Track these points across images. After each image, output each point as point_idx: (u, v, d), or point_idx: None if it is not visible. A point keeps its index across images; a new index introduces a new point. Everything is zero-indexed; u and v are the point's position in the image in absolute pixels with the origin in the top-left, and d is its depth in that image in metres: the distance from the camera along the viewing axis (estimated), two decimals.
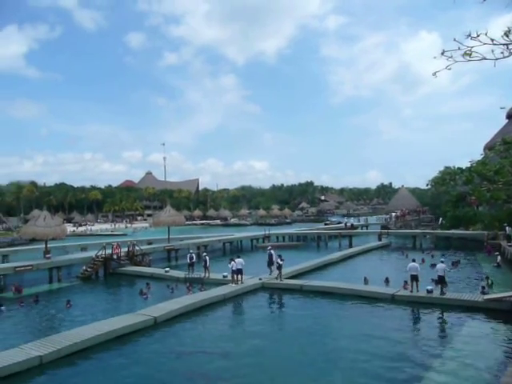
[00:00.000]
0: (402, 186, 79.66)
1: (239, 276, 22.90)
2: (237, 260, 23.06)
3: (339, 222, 71.35)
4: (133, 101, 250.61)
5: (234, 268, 22.86)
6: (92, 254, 31.47)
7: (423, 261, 30.25)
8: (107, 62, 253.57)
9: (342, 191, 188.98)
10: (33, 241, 40.68)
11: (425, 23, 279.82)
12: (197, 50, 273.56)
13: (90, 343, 14.10)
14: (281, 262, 23.57)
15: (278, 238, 52.79)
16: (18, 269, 26.55)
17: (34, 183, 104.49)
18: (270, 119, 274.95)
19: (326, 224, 74.03)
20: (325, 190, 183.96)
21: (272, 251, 25.58)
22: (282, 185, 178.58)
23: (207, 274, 25.51)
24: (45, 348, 13.13)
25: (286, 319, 18.55)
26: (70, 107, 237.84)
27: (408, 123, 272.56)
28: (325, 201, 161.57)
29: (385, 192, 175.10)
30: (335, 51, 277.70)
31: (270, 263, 25.21)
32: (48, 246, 30.53)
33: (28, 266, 27.24)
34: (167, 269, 28.48)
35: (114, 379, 12.03)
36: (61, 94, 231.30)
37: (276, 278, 23.76)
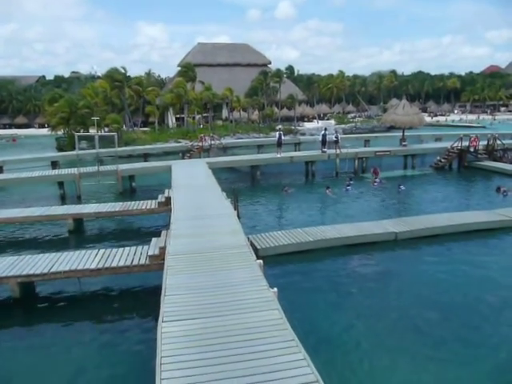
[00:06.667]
0: None
1: None
2: None
3: None
4: None
5: None
6: (447, 144, 30.88)
7: None
8: None
9: None
10: (390, 128, 43.33)
11: None
12: None
13: (439, 231, 14.49)
14: None
15: None
16: (377, 153, 29.24)
17: (393, 72, 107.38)
18: None
19: None
20: None
21: None
22: None
23: None
24: (399, 227, 14.44)
25: None
26: None
27: None
28: None
29: None
30: None
31: None
32: (404, 134, 31.87)
33: (386, 151, 29.61)
34: None
35: (461, 270, 12.06)
36: None
37: None
